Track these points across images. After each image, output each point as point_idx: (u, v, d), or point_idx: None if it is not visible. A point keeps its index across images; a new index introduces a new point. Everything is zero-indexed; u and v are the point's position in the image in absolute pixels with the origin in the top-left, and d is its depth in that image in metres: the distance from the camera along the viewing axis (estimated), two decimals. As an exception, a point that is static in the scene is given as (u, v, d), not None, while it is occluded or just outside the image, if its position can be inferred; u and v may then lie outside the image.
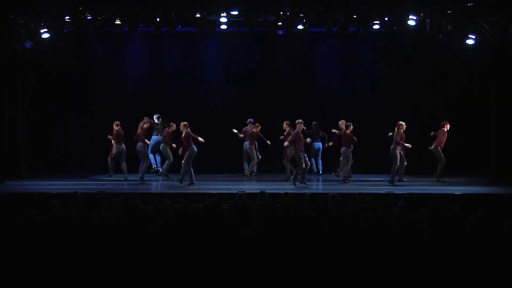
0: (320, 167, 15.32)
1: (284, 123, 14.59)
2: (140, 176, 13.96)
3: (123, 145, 14.41)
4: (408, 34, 14.54)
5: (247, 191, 11.08)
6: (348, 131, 13.99)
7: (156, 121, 15.05)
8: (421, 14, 13.81)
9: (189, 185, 13.15)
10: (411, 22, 13.83)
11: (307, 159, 13.41)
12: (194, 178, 13.25)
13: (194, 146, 13.34)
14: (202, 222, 7.22)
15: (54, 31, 13.89)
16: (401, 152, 13.41)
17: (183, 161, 13.31)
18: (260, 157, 14.93)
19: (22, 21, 13.66)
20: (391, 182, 13.33)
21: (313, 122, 15.28)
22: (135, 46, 16.59)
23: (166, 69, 16.61)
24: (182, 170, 13.41)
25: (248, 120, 15.27)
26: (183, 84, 16.61)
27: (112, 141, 14.41)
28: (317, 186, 13.90)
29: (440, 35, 13.98)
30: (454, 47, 14.29)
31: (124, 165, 14.42)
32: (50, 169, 15.61)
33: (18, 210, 7.76)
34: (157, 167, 15.01)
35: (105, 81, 16.60)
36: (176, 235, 6.57)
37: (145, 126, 14.22)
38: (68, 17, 13.82)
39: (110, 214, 7.62)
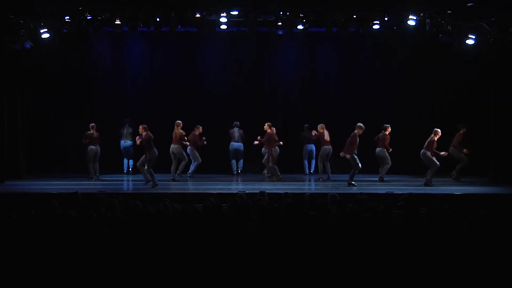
0: (313, 169, 15.59)
1: (266, 124, 14.66)
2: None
3: (98, 147, 14.62)
4: (408, 34, 14.52)
5: (247, 191, 11.10)
6: (386, 133, 14.15)
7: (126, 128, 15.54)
8: (421, 14, 13.79)
9: (153, 186, 13.02)
10: (411, 22, 13.81)
11: (358, 160, 13.52)
12: (156, 180, 13.16)
13: (155, 149, 13.25)
14: (202, 222, 7.22)
15: (54, 31, 13.89)
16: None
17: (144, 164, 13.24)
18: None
19: (22, 21, 13.66)
20: (427, 183, 13.40)
21: (305, 125, 15.44)
22: (135, 46, 16.57)
23: (166, 69, 16.59)
24: (143, 174, 13.36)
25: (235, 123, 15.57)
26: (183, 84, 16.59)
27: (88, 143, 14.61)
28: (317, 186, 13.92)
29: (440, 35, 13.97)
30: (454, 47, 14.29)
31: (96, 165, 14.69)
32: (50, 169, 15.63)
33: (18, 210, 7.77)
34: (129, 169, 15.82)
35: (105, 81, 16.61)
36: (176, 235, 6.57)
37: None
38: (68, 17, 13.80)
39: (110, 214, 7.63)
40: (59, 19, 13.74)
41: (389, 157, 14.15)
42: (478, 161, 14.83)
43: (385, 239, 6.40)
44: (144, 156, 13.26)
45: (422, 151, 13.55)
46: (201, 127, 14.86)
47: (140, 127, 13.32)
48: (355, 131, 13.62)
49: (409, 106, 15.97)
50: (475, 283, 5.77)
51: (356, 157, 13.49)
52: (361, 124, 13.72)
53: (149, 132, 13.21)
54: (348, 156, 13.55)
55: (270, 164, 14.48)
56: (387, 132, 14.18)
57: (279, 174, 14.41)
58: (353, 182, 13.44)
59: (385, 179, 14.17)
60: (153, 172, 13.15)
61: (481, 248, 6.13)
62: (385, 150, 14.15)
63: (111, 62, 16.66)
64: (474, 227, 6.81)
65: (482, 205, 8.86)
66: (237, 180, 14.93)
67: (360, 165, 13.46)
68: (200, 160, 14.89)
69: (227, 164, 15.71)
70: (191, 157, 14.85)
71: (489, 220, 7.16)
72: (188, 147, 14.76)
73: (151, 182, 13.11)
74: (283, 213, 7.66)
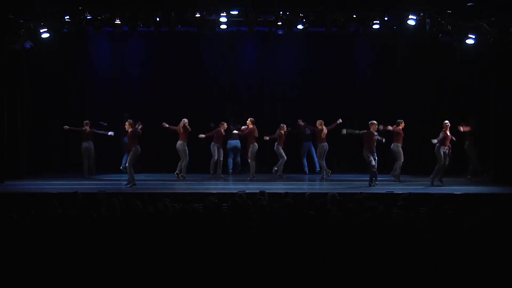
0: (317, 168, 15.56)
1: (249, 119, 14.70)
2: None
3: (91, 143, 14.81)
4: (408, 34, 14.53)
5: (247, 191, 11.10)
6: (399, 127, 14.15)
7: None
8: (421, 14, 13.82)
9: (130, 186, 13.02)
10: (411, 22, 13.83)
11: (375, 160, 13.43)
12: (134, 179, 13.17)
13: (138, 146, 13.26)
14: (202, 222, 7.22)
15: (54, 31, 13.91)
16: (445, 152, 13.44)
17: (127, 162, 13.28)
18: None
19: (22, 21, 13.68)
20: (431, 183, 13.36)
21: (300, 122, 15.43)
22: (135, 46, 16.58)
23: (166, 69, 16.60)
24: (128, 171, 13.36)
25: (231, 119, 15.62)
26: (183, 84, 16.60)
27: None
28: (317, 186, 13.91)
29: (440, 35, 14.00)
30: (454, 47, 14.29)
31: (91, 163, 14.99)
32: (50, 169, 15.63)
33: (18, 210, 7.77)
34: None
35: (105, 81, 16.62)
36: (176, 235, 6.56)
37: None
38: (68, 17, 13.83)
39: (109, 214, 7.63)
40: (59, 19, 13.77)
41: (402, 153, 14.10)
42: (479, 161, 14.83)
43: (385, 239, 6.39)
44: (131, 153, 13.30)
45: (436, 145, 13.47)
46: (225, 124, 14.96)
47: (127, 123, 13.37)
48: (370, 129, 13.51)
49: (409, 106, 15.94)
50: (475, 283, 5.77)
51: (372, 156, 13.40)
52: (374, 121, 13.65)
53: (136, 128, 13.24)
54: (368, 155, 13.42)
55: (249, 160, 14.47)
56: (400, 127, 14.17)
57: (254, 173, 14.46)
58: (372, 184, 13.35)
59: (388, 178, 14.13)
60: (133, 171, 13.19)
61: (481, 248, 6.13)
62: (399, 145, 14.13)
63: (111, 62, 16.67)
64: (474, 227, 6.81)
65: (482, 205, 8.86)
66: (237, 180, 14.92)
67: (376, 165, 13.33)
68: (216, 157, 14.90)
69: (227, 164, 15.71)
70: (212, 153, 14.89)
71: (489, 220, 7.16)
72: (212, 143, 14.86)
73: (132, 183, 13.08)
74: (283, 213, 7.66)
